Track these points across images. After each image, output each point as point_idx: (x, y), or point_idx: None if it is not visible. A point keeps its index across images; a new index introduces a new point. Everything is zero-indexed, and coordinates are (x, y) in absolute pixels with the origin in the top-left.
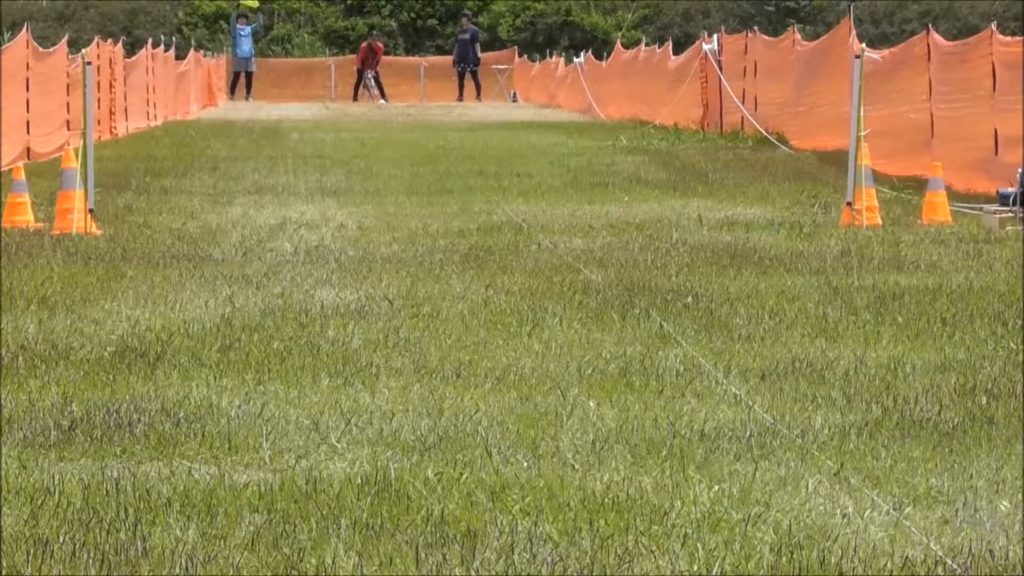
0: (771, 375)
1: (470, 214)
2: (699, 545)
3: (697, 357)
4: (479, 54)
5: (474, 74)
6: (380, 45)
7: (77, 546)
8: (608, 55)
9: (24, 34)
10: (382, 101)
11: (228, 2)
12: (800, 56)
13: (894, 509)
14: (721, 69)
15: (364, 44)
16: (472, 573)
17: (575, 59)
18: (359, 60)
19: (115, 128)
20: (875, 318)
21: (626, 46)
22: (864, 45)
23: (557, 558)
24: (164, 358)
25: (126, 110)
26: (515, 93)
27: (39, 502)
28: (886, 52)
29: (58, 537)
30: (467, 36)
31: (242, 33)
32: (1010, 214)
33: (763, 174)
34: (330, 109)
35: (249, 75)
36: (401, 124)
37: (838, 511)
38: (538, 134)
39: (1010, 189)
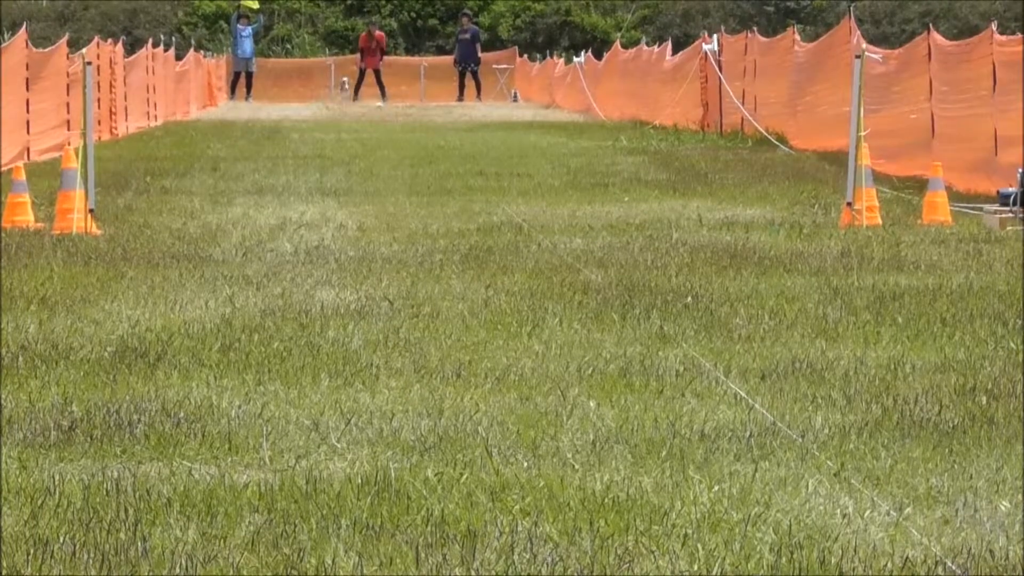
0: (771, 375)
1: (470, 214)
2: (699, 545)
3: (697, 357)
4: (479, 54)
5: (475, 74)
6: (381, 33)
7: (77, 546)
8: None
9: (22, 33)
10: (380, 104)
11: (228, 2)
12: (800, 56)
13: (894, 509)
14: (721, 69)
15: (364, 33)
16: (472, 573)
17: (575, 59)
18: (359, 50)
19: (115, 128)
20: (875, 318)
21: (626, 46)
22: (865, 45)
23: (557, 558)
24: (164, 358)
25: (126, 110)
26: (516, 93)
27: (39, 502)
28: (891, 53)
29: (58, 537)
30: (467, 36)
31: (243, 34)
32: (1010, 214)
33: (763, 174)
34: (330, 109)
35: (249, 75)
36: (401, 124)
37: (838, 511)
38: (538, 134)
39: (1010, 189)
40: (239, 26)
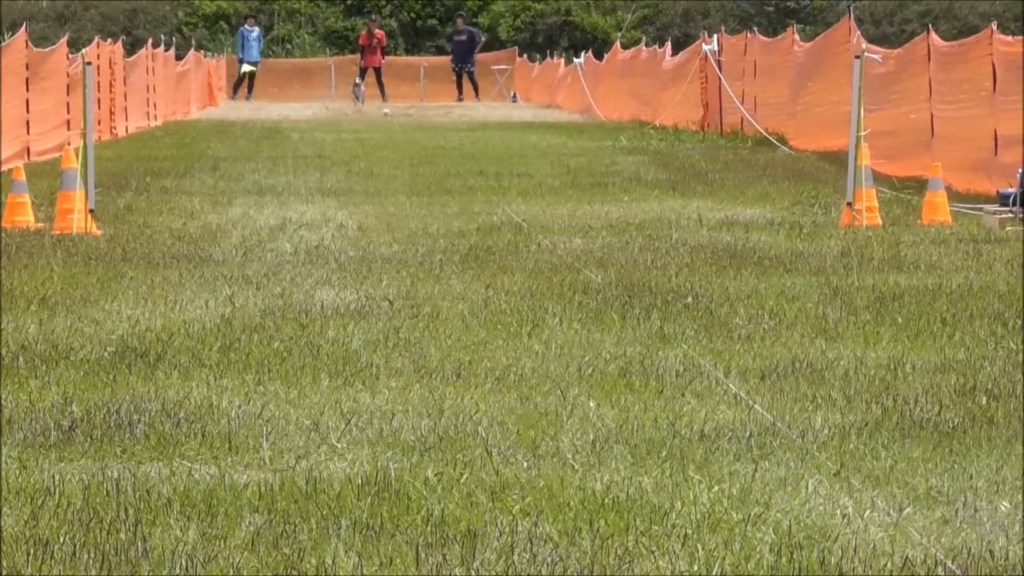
0: (771, 375)
1: (470, 214)
2: (699, 545)
3: (697, 357)
4: (475, 54)
5: (471, 75)
6: (381, 32)
7: (77, 546)
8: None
9: (22, 33)
10: (387, 110)
11: (228, 2)
12: (800, 56)
13: (894, 509)
14: (721, 69)
15: (363, 32)
16: (472, 573)
17: (575, 59)
18: (360, 48)
19: (115, 128)
20: (875, 318)
21: (626, 46)
22: (865, 45)
23: (557, 558)
24: (164, 358)
25: (126, 110)
26: (515, 93)
27: (39, 502)
28: (891, 53)
29: (58, 537)
30: (464, 37)
31: (250, 36)
32: (1010, 214)
33: (763, 174)
34: (330, 109)
35: (252, 75)
36: (401, 124)
37: (838, 511)
38: (538, 134)
39: (1010, 189)
40: (245, 27)
